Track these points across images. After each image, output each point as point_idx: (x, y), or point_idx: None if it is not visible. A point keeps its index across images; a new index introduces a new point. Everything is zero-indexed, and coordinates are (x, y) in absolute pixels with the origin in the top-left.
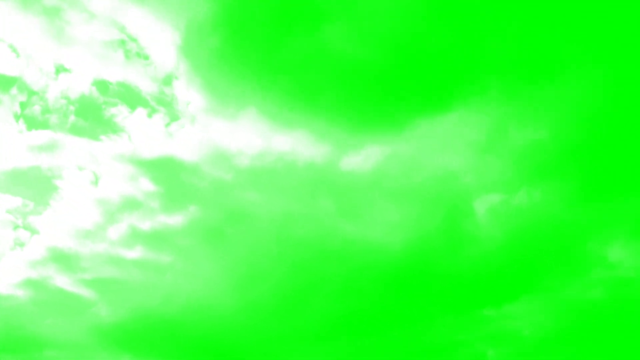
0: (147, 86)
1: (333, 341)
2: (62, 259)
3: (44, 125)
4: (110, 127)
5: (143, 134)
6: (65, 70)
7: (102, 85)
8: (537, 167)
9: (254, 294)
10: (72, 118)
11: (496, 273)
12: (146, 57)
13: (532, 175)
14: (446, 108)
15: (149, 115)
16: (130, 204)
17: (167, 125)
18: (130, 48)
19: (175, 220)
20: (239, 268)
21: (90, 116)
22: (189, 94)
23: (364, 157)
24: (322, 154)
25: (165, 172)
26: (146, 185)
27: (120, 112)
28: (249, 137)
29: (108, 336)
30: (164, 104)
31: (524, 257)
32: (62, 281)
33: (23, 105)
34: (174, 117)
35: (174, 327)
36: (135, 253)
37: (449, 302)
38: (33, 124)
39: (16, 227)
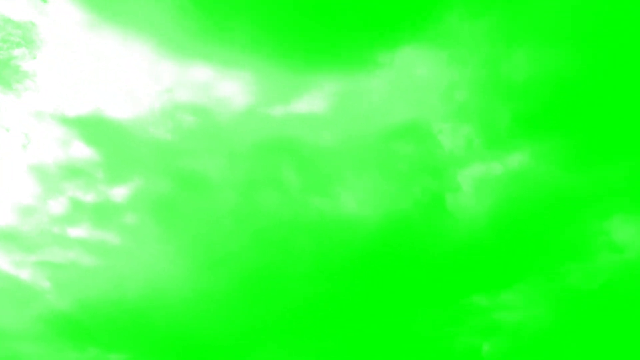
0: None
1: (303, 329)
2: (1, 237)
3: None
4: (18, 75)
5: (61, 85)
6: None
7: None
8: (533, 120)
9: (214, 276)
10: None
11: (488, 254)
12: None
13: (528, 132)
14: (417, 37)
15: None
16: (69, 173)
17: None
18: None
19: (119, 192)
20: (196, 247)
21: None
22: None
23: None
24: (265, 99)
25: (99, 133)
26: (81, 149)
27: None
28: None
29: (57, 326)
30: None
31: (520, 235)
32: (2, 263)
33: None
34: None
35: (130, 316)
36: (80, 231)
37: (435, 288)
38: None
39: None
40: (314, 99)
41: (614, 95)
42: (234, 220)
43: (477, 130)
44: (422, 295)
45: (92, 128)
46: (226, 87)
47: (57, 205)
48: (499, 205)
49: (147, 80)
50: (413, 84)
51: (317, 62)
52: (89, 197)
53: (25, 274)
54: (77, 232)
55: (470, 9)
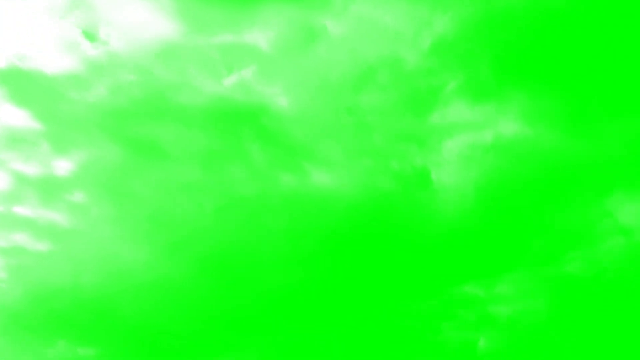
0: None
1: (274, 315)
2: None
3: None
4: None
5: None
6: None
7: None
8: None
9: (176, 259)
10: None
11: (479, 238)
12: None
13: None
14: None
15: None
16: (6, 141)
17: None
18: None
19: (64, 166)
20: (155, 227)
21: None
22: None
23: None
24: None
25: (27, 91)
26: (13, 113)
27: None
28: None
29: (17, 318)
30: None
31: (513, 215)
32: None
33: None
34: None
35: (93, 306)
36: (27, 210)
37: (422, 276)
38: None
39: None
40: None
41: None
42: (194, 196)
43: (459, 80)
44: (407, 284)
45: (18, 84)
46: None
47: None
48: (489, 178)
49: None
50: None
51: None
52: (32, 170)
53: None
54: (23, 210)
55: None
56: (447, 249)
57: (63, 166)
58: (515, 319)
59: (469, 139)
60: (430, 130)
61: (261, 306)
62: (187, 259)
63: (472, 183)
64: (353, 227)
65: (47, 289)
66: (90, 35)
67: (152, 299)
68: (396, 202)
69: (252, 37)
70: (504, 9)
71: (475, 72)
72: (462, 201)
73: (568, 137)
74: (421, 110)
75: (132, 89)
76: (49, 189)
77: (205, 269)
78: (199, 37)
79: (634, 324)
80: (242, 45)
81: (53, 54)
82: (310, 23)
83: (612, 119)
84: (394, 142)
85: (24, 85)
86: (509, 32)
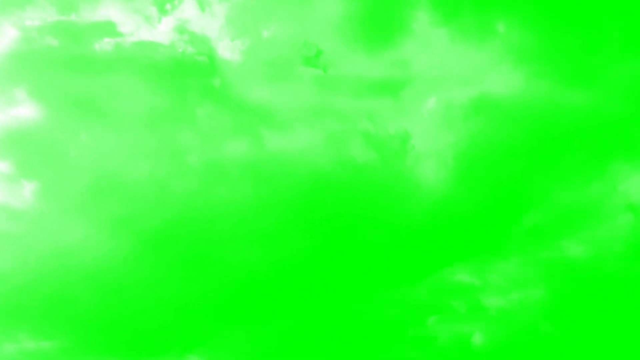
0: None
1: (244, 302)
2: None
3: None
4: None
5: None
6: None
7: None
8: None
9: (125, 238)
10: None
11: (465, 216)
12: None
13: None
14: None
15: None
16: None
17: None
18: None
19: None
20: (98, 201)
21: None
22: None
23: None
24: None
25: None
26: None
27: None
28: None
29: None
30: None
31: (506, 187)
32: None
33: None
34: None
35: (35, 295)
36: None
37: (402, 260)
38: None
39: None
40: None
41: None
42: (144, 161)
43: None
44: (385, 269)
45: None
46: None
47: None
48: (475, 143)
49: None
50: None
51: None
52: None
53: None
54: None
55: None
56: (431, 228)
57: None
58: (512, 310)
59: (452, 96)
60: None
61: (229, 288)
62: (137, 236)
63: (457, 149)
64: (317, 201)
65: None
66: None
67: (115, 285)
68: (368, 171)
69: None
70: None
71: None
72: (446, 171)
73: (564, 87)
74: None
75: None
76: None
77: (157, 246)
78: None
79: None
80: None
81: None
82: None
83: (614, 64)
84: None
85: None
86: None
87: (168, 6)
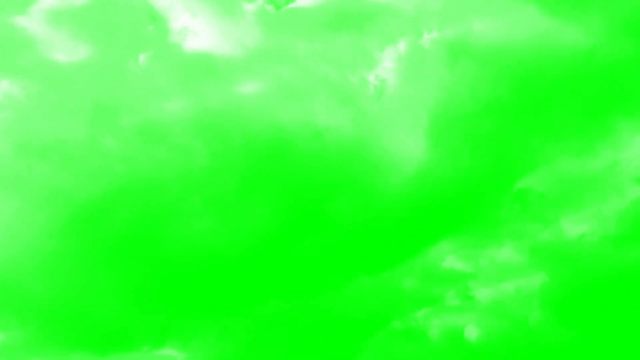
0: None
1: (192, 292)
2: None
3: None
4: None
5: None
6: None
7: None
8: None
9: (66, 215)
10: None
11: (447, 185)
12: None
13: None
14: None
15: None
16: None
17: None
18: None
19: None
20: (30, 171)
21: None
22: None
23: None
24: None
25: None
26: None
27: None
28: None
29: None
30: None
31: (490, 150)
32: None
33: None
34: None
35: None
36: None
37: (379, 239)
38: None
39: None
40: None
41: None
42: (73, 122)
43: None
44: (364, 249)
45: None
46: None
47: None
48: (452, 98)
49: None
50: None
51: None
52: None
53: None
54: None
55: None
56: (410, 200)
57: None
58: (508, 301)
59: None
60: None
61: (175, 268)
62: (72, 209)
63: (435, 104)
64: (276, 168)
65: None
66: None
67: (44, 267)
68: (332, 132)
69: None
70: None
71: None
72: (422, 132)
73: (560, 23)
74: None
75: None
76: None
77: (97, 221)
78: None
79: None
80: None
81: None
82: None
83: None
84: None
85: None
86: None
87: None
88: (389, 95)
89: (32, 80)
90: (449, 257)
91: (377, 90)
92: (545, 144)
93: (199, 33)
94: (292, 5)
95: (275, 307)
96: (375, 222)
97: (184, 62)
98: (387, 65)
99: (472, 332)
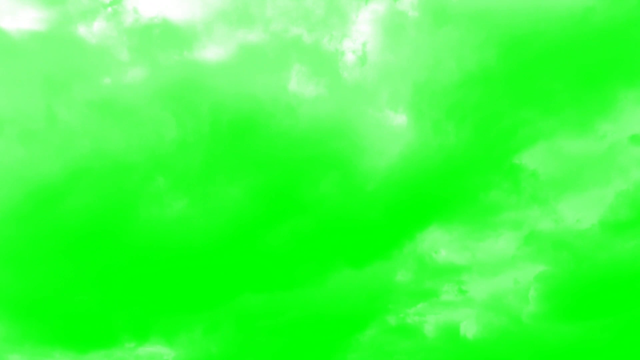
0: None
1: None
2: None
3: None
4: None
5: None
6: None
7: None
8: None
9: (20, 200)
10: None
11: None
12: None
13: None
14: None
15: None
16: None
17: None
18: None
19: None
20: None
21: None
22: None
23: None
24: None
25: None
26: None
27: None
28: None
29: None
30: None
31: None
32: None
33: None
34: None
35: None
36: None
37: (365, 226)
38: None
39: None
40: None
41: None
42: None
43: None
44: (350, 239)
45: None
46: None
47: None
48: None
49: None
50: None
51: None
52: None
53: None
54: None
55: None
56: (396, 184)
57: None
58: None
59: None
60: None
61: (151, 259)
62: (27, 192)
63: (419, 69)
64: (249, 144)
65: None
66: None
67: (21, 263)
68: (307, 104)
69: None
70: None
71: None
72: (405, 102)
73: None
74: None
75: None
76: None
77: (58, 205)
78: None
79: None
80: None
81: None
82: None
83: None
84: None
85: None
86: None
87: None
88: (367, 63)
89: None
90: (442, 249)
91: (354, 57)
92: (539, 117)
93: None
94: None
95: (257, 300)
96: (358, 206)
97: (141, 28)
98: (364, 29)
99: (468, 328)
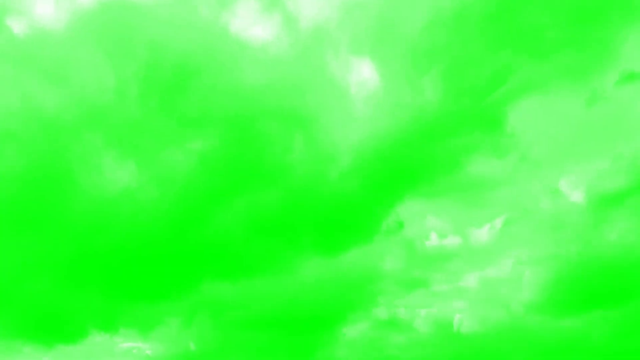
0: None
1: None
2: None
3: None
4: None
5: None
6: None
7: None
8: None
9: None
10: None
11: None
12: None
13: None
14: None
15: None
16: None
17: None
18: None
19: None
20: None
21: None
22: None
23: None
24: None
25: None
26: None
27: None
28: None
29: None
30: None
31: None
32: None
33: None
34: None
35: None
36: None
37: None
38: None
39: None
40: None
41: None
42: None
43: None
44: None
45: None
46: None
47: None
48: None
49: None
50: None
51: None
52: None
53: None
54: None
55: None
56: (364, 148)
57: None
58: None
59: None
60: None
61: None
62: None
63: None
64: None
65: None
66: None
67: None
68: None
69: None
70: None
71: None
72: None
73: None
74: None
75: None
76: None
77: None
78: None
79: None
80: None
81: None
82: None
83: None
84: None
85: None
86: None
87: None
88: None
89: None
90: (433, 234)
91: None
92: (521, 59)
93: None
94: None
95: (228, 289)
96: (327, 176)
97: None
98: None
99: (459, 320)
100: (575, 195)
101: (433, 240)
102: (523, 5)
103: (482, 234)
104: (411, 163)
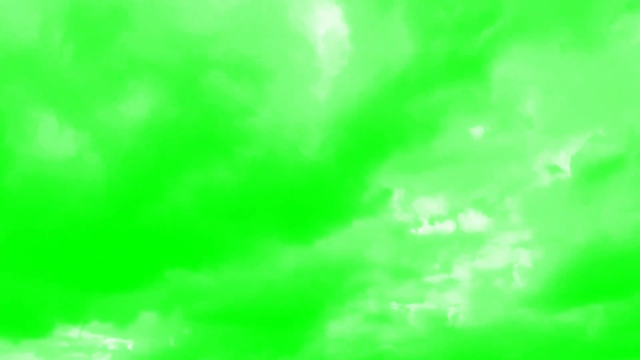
0: None
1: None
2: None
3: None
4: None
5: None
6: None
7: None
8: None
9: None
10: None
11: None
12: None
13: None
14: None
15: None
16: None
17: None
18: None
19: None
20: None
21: None
22: None
23: None
24: None
25: None
26: None
27: None
28: None
29: None
30: None
31: None
32: None
33: None
34: None
35: None
36: None
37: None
38: None
39: None
40: None
41: None
42: None
43: None
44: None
45: None
46: None
47: None
48: None
49: None
50: None
51: None
52: None
53: None
54: None
55: None
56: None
57: None
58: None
59: None
60: None
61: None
62: None
63: None
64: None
65: None
66: None
67: None
68: None
69: None
70: None
71: None
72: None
73: None
74: None
75: None
76: None
77: None
78: None
79: None
80: None
81: None
82: None
83: None
84: None
85: None
86: None
87: None
88: None
89: None
90: (424, 220)
91: None
92: None
93: None
94: None
95: (197, 278)
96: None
97: None
98: None
99: (453, 313)
100: (574, 169)
101: (425, 228)
102: None
103: (471, 218)
104: (390, 127)
